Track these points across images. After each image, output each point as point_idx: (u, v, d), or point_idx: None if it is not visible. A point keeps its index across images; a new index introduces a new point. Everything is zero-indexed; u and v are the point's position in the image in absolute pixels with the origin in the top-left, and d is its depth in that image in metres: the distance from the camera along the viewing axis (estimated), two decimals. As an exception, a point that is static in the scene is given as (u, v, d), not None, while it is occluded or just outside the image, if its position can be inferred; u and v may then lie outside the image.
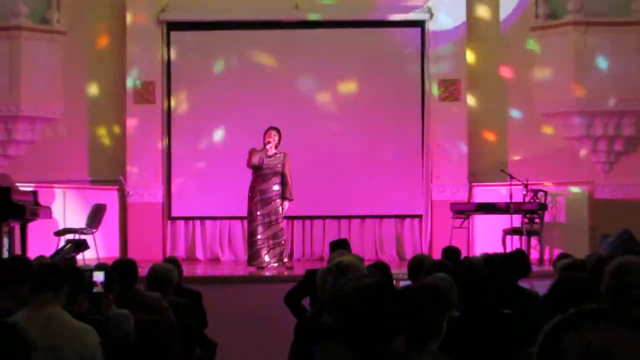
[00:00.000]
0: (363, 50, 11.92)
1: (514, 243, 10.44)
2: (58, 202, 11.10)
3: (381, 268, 5.45)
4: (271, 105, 11.66)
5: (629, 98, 11.31)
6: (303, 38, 12.05)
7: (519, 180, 10.55)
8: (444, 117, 11.71)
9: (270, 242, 9.65)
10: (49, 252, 8.94)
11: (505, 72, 11.98)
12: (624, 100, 11.32)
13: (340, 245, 7.22)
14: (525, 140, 11.85)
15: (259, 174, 9.67)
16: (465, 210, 10.86)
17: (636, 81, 11.27)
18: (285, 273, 9.40)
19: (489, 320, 3.92)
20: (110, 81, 12.01)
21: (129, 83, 11.74)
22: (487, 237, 10.96)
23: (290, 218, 11.08)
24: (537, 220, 10.67)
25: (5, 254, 8.58)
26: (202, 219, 11.96)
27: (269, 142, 9.66)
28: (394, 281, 5.98)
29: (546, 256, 10.66)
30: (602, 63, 11.34)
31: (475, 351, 3.24)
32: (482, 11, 11.97)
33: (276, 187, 9.71)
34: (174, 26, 12.01)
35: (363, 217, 11.85)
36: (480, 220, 11.27)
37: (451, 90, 11.71)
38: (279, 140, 9.76)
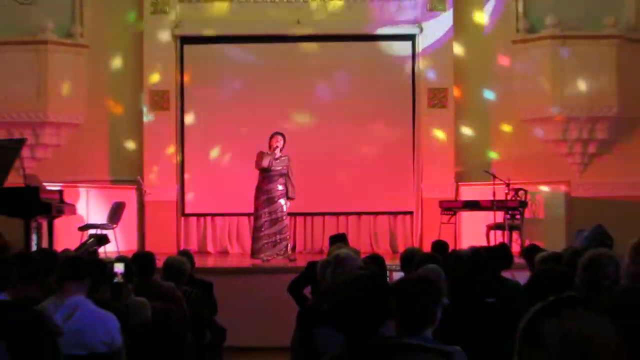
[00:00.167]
0: (360, 61, 11.91)
1: (497, 237, 10.43)
2: (81, 200, 11.09)
3: (376, 260, 5.46)
4: (276, 111, 11.67)
5: (602, 105, 11.32)
6: (305, 50, 12.04)
7: (501, 180, 10.54)
8: (432, 122, 11.70)
9: (277, 237, 9.65)
10: (73, 245, 8.93)
11: (489, 81, 11.97)
12: (597, 107, 11.33)
13: (338, 239, 7.22)
14: (507, 144, 11.85)
15: (266, 175, 9.67)
16: (452, 208, 10.85)
17: (608, 90, 11.28)
18: (289, 265, 9.39)
19: (474, 307, 3.92)
20: (129, 90, 11.99)
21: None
22: (473, 231, 10.94)
23: (293, 214, 11.06)
24: (518, 217, 10.66)
25: (34, 248, 8.58)
26: (213, 215, 11.95)
27: (277, 147, 9.66)
28: (388, 272, 5.98)
29: (526, 249, 10.64)
30: (578, 73, 11.34)
31: (461, 336, 3.23)
32: (469, 25, 11.95)
33: (281, 187, 9.70)
34: (187, 40, 11.99)
35: (359, 214, 11.84)
36: (466, 217, 11.25)
37: (439, 98, 11.70)
38: (284, 144, 9.77)
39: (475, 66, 11.91)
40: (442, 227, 10.60)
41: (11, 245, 6.85)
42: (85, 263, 4.20)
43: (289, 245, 9.94)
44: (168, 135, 11.79)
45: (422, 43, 11.76)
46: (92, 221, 10.64)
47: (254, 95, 11.84)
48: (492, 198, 10.35)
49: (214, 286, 6.74)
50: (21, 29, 11.60)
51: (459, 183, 11.69)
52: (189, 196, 11.91)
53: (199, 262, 8.33)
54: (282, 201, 9.69)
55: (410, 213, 11.87)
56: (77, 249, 8.34)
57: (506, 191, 10.68)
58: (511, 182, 10.70)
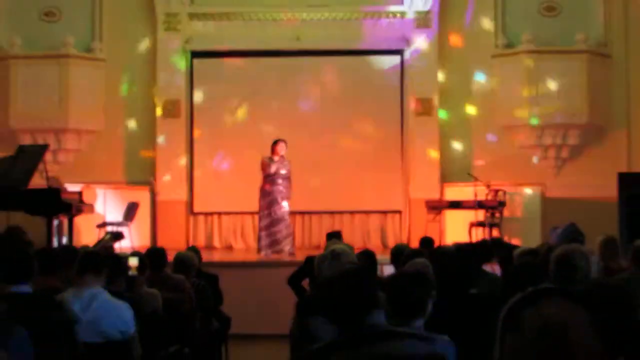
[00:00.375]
0: (353, 73, 11.92)
1: (479, 234, 10.43)
2: (99, 200, 11.05)
3: (368, 255, 5.43)
4: (276, 119, 11.67)
5: (573, 113, 11.33)
6: (303, 63, 12.03)
7: (482, 182, 10.54)
8: (419, 129, 11.69)
9: (280, 235, 9.65)
10: (91, 241, 8.91)
11: (470, 92, 11.96)
12: (569, 115, 11.34)
13: (334, 235, 7.20)
14: (487, 149, 11.84)
15: (271, 178, 9.66)
16: (437, 207, 10.84)
17: (579, 100, 11.30)
18: (288, 259, 9.37)
19: (459, 298, 3.91)
20: (143, 100, 11.97)
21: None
22: (456, 229, 10.94)
23: (293, 213, 11.05)
24: (497, 215, 10.65)
25: (56, 244, 8.55)
26: (219, 214, 11.94)
27: (282, 156, 9.64)
28: (379, 265, 5.96)
29: (505, 245, 10.63)
30: (551, 84, 11.35)
31: (447, 325, 3.21)
32: (453, 40, 11.94)
33: (282, 189, 9.69)
34: (196, 54, 11.99)
35: (353, 213, 11.84)
36: (450, 215, 11.24)
37: (425, 107, 11.70)
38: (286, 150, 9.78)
39: (457, 78, 11.90)
40: (429, 225, 10.58)
41: (34, 241, 6.83)
42: (102, 257, 4.19)
43: (291, 241, 9.91)
44: (179, 141, 11.77)
45: (409, 56, 11.76)
46: (108, 219, 10.63)
47: (256, 104, 11.84)
48: (474, 198, 10.35)
49: (219, 278, 6.72)
50: (45, 44, 11.61)
51: (444, 184, 11.67)
52: (197, 197, 11.89)
53: (206, 256, 8.31)
54: (284, 202, 9.69)
55: (399, 212, 11.86)
56: (94, 245, 8.31)
57: (487, 192, 10.68)
58: (491, 183, 10.71)
